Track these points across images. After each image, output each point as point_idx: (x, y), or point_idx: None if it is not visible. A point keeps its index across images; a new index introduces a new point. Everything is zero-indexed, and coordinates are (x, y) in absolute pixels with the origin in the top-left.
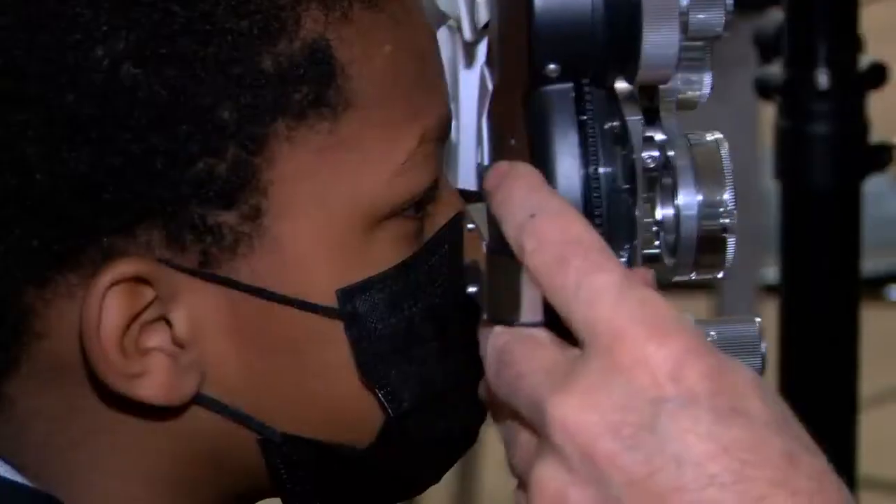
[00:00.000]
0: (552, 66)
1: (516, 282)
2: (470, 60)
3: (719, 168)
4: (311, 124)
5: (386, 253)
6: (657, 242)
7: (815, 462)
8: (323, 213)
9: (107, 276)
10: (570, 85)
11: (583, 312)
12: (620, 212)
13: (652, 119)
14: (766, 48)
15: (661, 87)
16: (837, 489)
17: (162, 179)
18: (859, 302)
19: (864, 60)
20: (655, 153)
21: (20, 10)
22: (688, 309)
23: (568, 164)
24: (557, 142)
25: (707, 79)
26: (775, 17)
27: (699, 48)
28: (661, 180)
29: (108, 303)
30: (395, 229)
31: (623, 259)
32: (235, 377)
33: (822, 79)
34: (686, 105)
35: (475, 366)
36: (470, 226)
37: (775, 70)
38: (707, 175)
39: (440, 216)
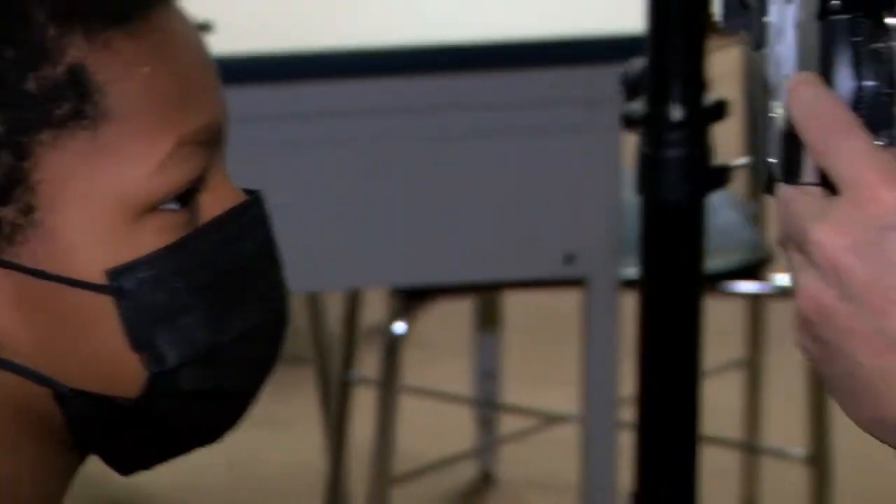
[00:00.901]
0: (835, 3)
1: (801, 153)
2: None
3: None
4: (73, 134)
5: (152, 238)
6: None
7: None
8: (91, 206)
9: None
10: (848, 16)
11: (839, 168)
12: (881, 108)
13: None
14: (631, 89)
15: None
16: None
17: None
18: (702, 293)
19: (709, 98)
20: None
21: None
22: (562, 302)
23: (843, 73)
24: (837, 57)
25: None
26: (638, 63)
27: None
28: None
29: None
30: (160, 218)
31: (883, 143)
32: (27, 343)
33: (675, 113)
34: None
35: (243, 333)
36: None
37: (638, 106)
38: None
39: (215, 207)
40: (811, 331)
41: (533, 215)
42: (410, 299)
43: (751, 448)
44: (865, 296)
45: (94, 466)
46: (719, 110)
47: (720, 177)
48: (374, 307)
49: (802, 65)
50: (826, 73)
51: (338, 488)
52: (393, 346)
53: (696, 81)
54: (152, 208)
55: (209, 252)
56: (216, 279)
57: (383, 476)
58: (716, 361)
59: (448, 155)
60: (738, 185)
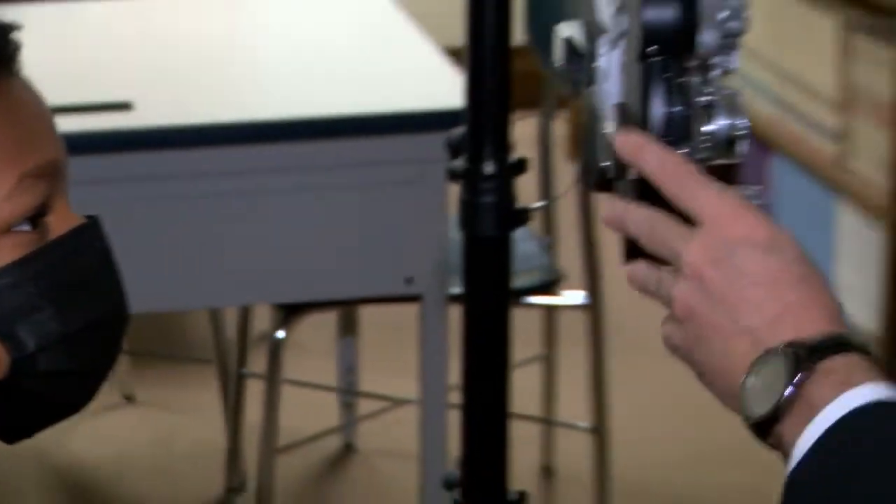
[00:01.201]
0: (651, 49)
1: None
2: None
3: (738, 106)
4: None
5: (7, 254)
6: (705, 145)
7: (818, 279)
8: None
9: None
10: (660, 58)
11: (698, 208)
12: (685, 127)
13: (705, 79)
14: (454, 150)
15: (709, 62)
16: (832, 298)
17: None
18: (509, 305)
19: (513, 157)
20: (704, 98)
21: None
22: (404, 313)
23: (658, 102)
24: (653, 90)
25: (734, 59)
26: (458, 131)
27: (729, 44)
28: (708, 111)
29: None
30: (13, 238)
31: (686, 151)
32: None
33: (488, 168)
34: (726, 73)
35: (88, 325)
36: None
37: (459, 163)
38: (731, 109)
39: (59, 228)
40: (680, 327)
41: (381, 248)
42: (289, 312)
43: (547, 422)
44: (722, 297)
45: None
46: (521, 166)
47: (522, 217)
48: (262, 318)
49: (626, 97)
50: (645, 102)
51: (236, 458)
52: (275, 348)
53: (503, 145)
54: (7, 230)
55: (54, 263)
56: (61, 284)
57: (269, 449)
58: (520, 356)
59: (317, 203)
60: (536, 224)
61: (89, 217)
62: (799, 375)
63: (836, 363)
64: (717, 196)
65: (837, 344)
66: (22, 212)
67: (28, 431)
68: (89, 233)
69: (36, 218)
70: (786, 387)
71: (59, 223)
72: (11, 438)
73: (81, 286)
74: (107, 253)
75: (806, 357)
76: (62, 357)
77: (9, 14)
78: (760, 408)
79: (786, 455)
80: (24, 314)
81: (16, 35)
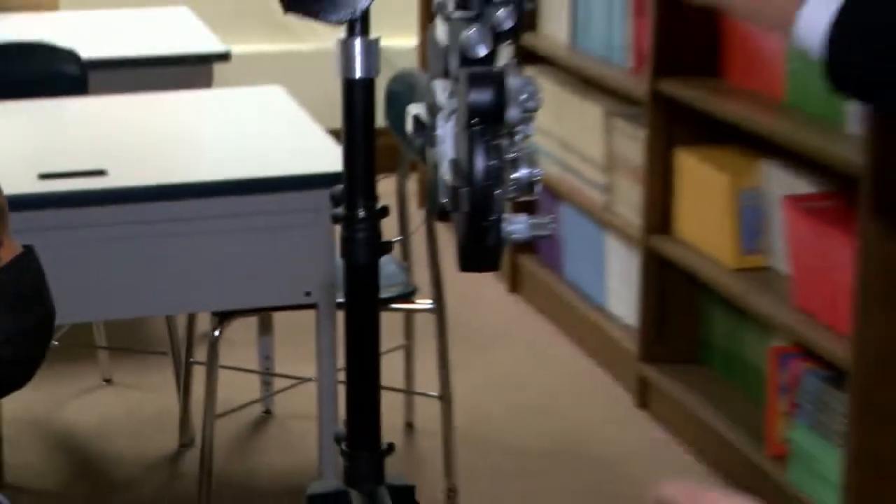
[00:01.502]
0: (474, 122)
1: (457, 196)
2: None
3: (534, 160)
4: None
5: None
6: (512, 188)
7: None
8: None
9: None
10: (481, 127)
11: None
12: (497, 175)
13: (512, 141)
14: (336, 201)
15: (514, 130)
16: None
17: None
18: (378, 310)
19: (378, 205)
20: (511, 154)
21: None
22: (306, 317)
23: (480, 157)
24: (476, 149)
25: (531, 128)
26: (339, 187)
27: (528, 117)
28: (515, 163)
29: None
30: None
31: (500, 192)
32: None
33: (360, 213)
34: (525, 137)
35: (26, 329)
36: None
37: (340, 210)
38: (530, 162)
39: (6, 256)
40: None
41: (287, 271)
42: (222, 317)
43: (407, 392)
44: None
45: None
46: (384, 212)
47: (386, 248)
48: (203, 322)
49: (457, 155)
50: (470, 158)
51: (186, 423)
52: (213, 343)
53: (371, 197)
54: None
55: (4, 281)
56: (11, 295)
57: (210, 415)
58: (386, 346)
59: (241, 240)
60: (396, 252)
61: (26, 247)
62: None
63: None
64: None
65: None
66: None
67: (5, 388)
68: (28, 258)
69: None
70: None
71: (6, 253)
72: None
73: (26, 297)
74: (41, 272)
75: None
76: (18, 348)
77: (13, 110)
78: None
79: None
80: (9, 317)
81: None
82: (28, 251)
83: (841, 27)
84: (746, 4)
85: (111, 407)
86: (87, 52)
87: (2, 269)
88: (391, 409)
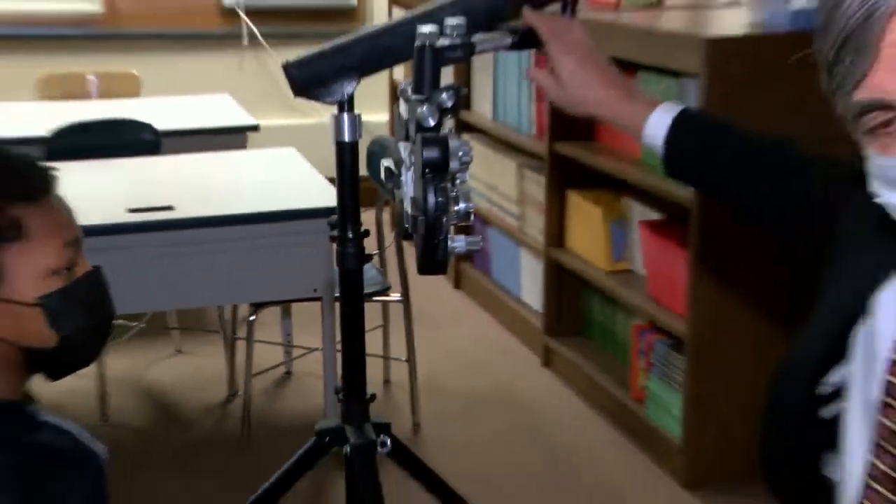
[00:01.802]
0: (427, 171)
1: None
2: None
3: (469, 197)
4: (15, 245)
5: (54, 283)
6: (454, 217)
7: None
8: (29, 274)
9: None
10: (431, 175)
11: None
12: (444, 208)
13: (454, 184)
14: (332, 226)
15: (455, 176)
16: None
17: None
18: (363, 301)
19: (362, 229)
20: (454, 193)
21: None
22: (315, 307)
23: (431, 197)
24: (429, 190)
25: (467, 175)
26: (334, 217)
27: (464, 167)
28: (456, 199)
29: None
30: (58, 276)
31: (445, 219)
32: (11, 328)
33: (350, 234)
34: (463, 182)
35: (94, 323)
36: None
37: (335, 232)
38: (466, 199)
39: (80, 272)
40: None
41: (301, 274)
42: (256, 307)
43: (385, 357)
44: None
45: None
46: (366, 234)
47: (368, 258)
48: (243, 309)
49: (415, 193)
50: (424, 196)
51: (232, 380)
52: (250, 324)
53: (357, 223)
54: (56, 272)
55: (78, 289)
56: (83, 299)
57: (248, 374)
58: (369, 325)
59: (269, 253)
60: (375, 261)
61: (95, 266)
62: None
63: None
64: None
65: None
66: (63, 264)
67: (64, 375)
68: (96, 274)
69: (69, 267)
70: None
71: (80, 269)
72: (55, 378)
73: (93, 302)
74: (105, 284)
75: None
76: (82, 337)
77: (109, 166)
78: None
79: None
80: (66, 314)
81: (53, 172)
82: (96, 269)
83: (672, 135)
84: (609, 119)
85: (181, 369)
86: (160, 124)
87: (77, 281)
88: (373, 370)
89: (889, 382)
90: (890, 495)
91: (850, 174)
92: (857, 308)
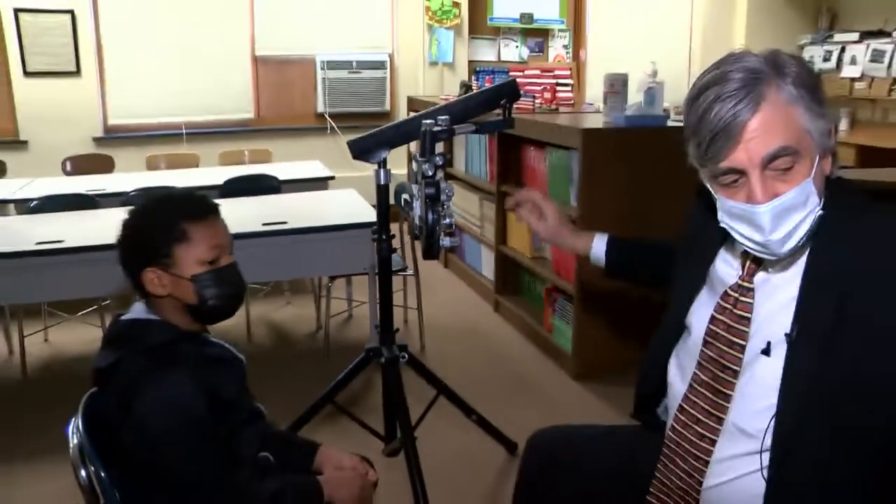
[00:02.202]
0: (427, 200)
1: (433, 240)
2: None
3: (452, 213)
4: (179, 246)
5: (205, 269)
6: (444, 227)
7: None
8: (189, 262)
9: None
10: (430, 202)
11: None
12: (438, 222)
13: (444, 207)
14: (374, 232)
15: (444, 203)
16: None
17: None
18: (391, 275)
19: (391, 234)
20: (444, 213)
21: None
22: (362, 278)
23: (430, 214)
24: (428, 211)
25: (451, 203)
26: (375, 227)
27: (448, 200)
28: (445, 216)
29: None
30: (206, 265)
31: (438, 228)
32: (178, 291)
33: (384, 237)
34: (447, 207)
35: (231, 293)
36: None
37: (375, 236)
38: (451, 216)
39: (224, 263)
40: None
41: (356, 259)
42: (331, 278)
43: (404, 307)
44: None
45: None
46: (393, 237)
47: (394, 250)
48: (325, 280)
49: (421, 213)
50: (426, 216)
51: (318, 319)
52: (328, 288)
53: (388, 230)
54: (205, 262)
55: (217, 274)
56: (223, 281)
57: (327, 317)
58: (395, 290)
59: (340, 247)
60: (399, 252)
61: (233, 262)
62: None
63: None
64: None
65: None
66: (211, 258)
67: (211, 323)
68: (231, 267)
69: (213, 261)
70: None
71: (226, 260)
72: (207, 324)
73: (230, 280)
74: (237, 273)
75: None
76: (220, 299)
77: (254, 200)
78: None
79: (583, 253)
80: (207, 288)
81: (212, 202)
82: (232, 263)
83: (608, 254)
84: (567, 247)
85: (288, 313)
86: (281, 176)
87: (218, 269)
88: (397, 314)
89: (707, 332)
90: (704, 391)
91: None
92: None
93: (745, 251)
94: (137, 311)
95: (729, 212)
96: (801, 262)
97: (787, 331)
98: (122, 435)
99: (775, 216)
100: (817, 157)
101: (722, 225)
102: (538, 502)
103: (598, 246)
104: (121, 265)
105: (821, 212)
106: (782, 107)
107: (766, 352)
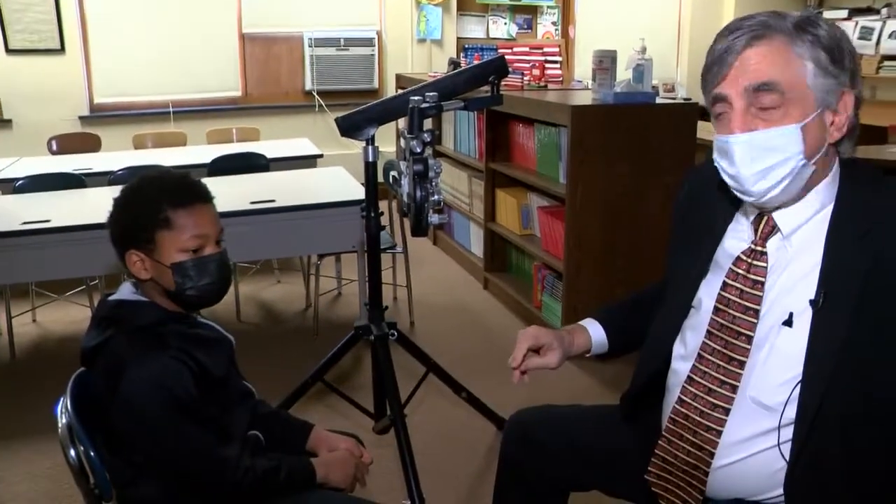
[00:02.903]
0: (416, 177)
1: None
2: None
3: (440, 190)
4: (163, 231)
5: (187, 258)
6: (433, 203)
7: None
8: (171, 249)
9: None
10: (418, 179)
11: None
12: (426, 198)
13: (433, 185)
14: (363, 209)
15: (433, 180)
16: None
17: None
18: (380, 253)
19: (380, 211)
20: (432, 189)
21: None
22: (352, 256)
23: (419, 191)
24: (417, 188)
25: (439, 179)
26: (363, 203)
27: (438, 176)
28: (434, 192)
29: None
30: (187, 254)
31: (427, 205)
32: (158, 277)
33: (372, 214)
34: (436, 184)
35: (213, 282)
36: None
37: (364, 213)
38: (439, 193)
39: (206, 253)
40: None
41: (346, 238)
42: (321, 256)
43: (393, 285)
44: None
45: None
46: (381, 214)
47: (382, 227)
48: (314, 258)
49: (409, 190)
50: (414, 192)
51: (307, 297)
52: (317, 267)
53: (377, 207)
54: (186, 251)
55: (196, 264)
56: (203, 271)
57: (317, 295)
58: (384, 268)
59: (328, 225)
60: (387, 229)
61: (219, 252)
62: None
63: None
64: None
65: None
66: (193, 247)
67: (191, 310)
68: (213, 257)
69: (196, 250)
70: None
71: (208, 251)
72: (188, 311)
73: (210, 271)
74: (222, 264)
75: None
76: (202, 290)
77: (241, 178)
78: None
79: (587, 350)
80: (185, 277)
81: (200, 188)
82: (218, 254)
83: (608, 334)
84: (573, 355)
85: (278, 291)
86: (269, 154)
87: (198, 259)
88: (387, 292)
89: (715, 310)
90: (715, 359)
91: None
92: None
93: (759, 216)
94: (125, 291)
95: (715, 147)
96: (820, 231)
97: (812, 298)
98: (110, 414)
99: (747, 150)
100: (815, 112)
101: (715, 164)
102: (518, 482)
103: (596, 334)
104: (111, 243)
105: (808, 165)
106: (784, 50)
107: (789, 322)
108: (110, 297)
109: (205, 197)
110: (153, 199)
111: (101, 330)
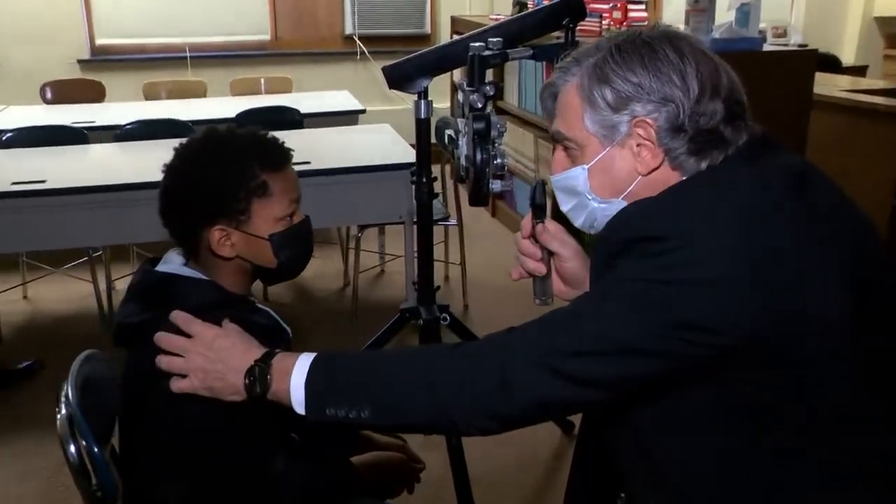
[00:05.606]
0: (476, 135)
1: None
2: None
3: (504, 155)
4: (258, 199)
5: (281, 227)
6: (494, 169)
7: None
8: (266, 219)
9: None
10: (478, 138)
11: None
12: (488, 161)
13: (494, 146)
14: (413, 174)
15: (495, 141)
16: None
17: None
18: (432, 225)
19: (433, 176)
20: (494, 151)
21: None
22: (399, 229)
23: (479, 153)
24: (476, 149)
25: (502, 140)
26: (414, 167)
27: (501, 136)
28: (496, 156)
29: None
30: (284, 222)
31: (488, 169)
32: (250, 252)
33: (423, 180)
34: (499, 146)
35: (303, 251)
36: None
37: (414, 178)
38: (502, 156)
39: (297, 219)
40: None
41: (392, 206)
42: (361, 227)
43: (444, 262)
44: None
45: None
46: (434, 179)
47: (434, 196)
48: (354, 229)
49: (468, 152)
50: (474, 154)
51: (346, 274)
52: (358, 240)
53: (429, 172)
54: (283, 219)
55: (294, 232)
56: (298, 238)
57: (356, 272)
58: (436, 241)
59: (374, 191)
60: (440, 198)
61: (306, 216)
62: (270, 366)
63: (277, 359)
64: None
65: (270, 355)
66: (288, 213)
67: (276, 283)
68: (306, 222)
69: (290, 215)
70: (268, 374)
71: (297, 218)
72: (270, 284)
73: (302, 240)
74: (310, 230)
75: (264, 360)
76: (294, 260)
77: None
78: (260, 388)
79: (283, 398)
80: (284, 247)
81: (289, 149)
82: (306, 218)
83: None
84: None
85: (312, 268)
86: (303, 109)
87: (294, 226)
88: (438, 270)
89: None
90: None
91: None
92: None
93: None
94: (175, 264)
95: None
96: None
97: None
98: (147, 402)
99: (559, 192)
100: (604, 151)
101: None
102: (594, 491)
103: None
104: (165, 220)
105: (609, 201)
106: (563, 96)
107: None
108: (157, 268)
109: (290, 156)
110: (245, 163)
111: (145, 305)
